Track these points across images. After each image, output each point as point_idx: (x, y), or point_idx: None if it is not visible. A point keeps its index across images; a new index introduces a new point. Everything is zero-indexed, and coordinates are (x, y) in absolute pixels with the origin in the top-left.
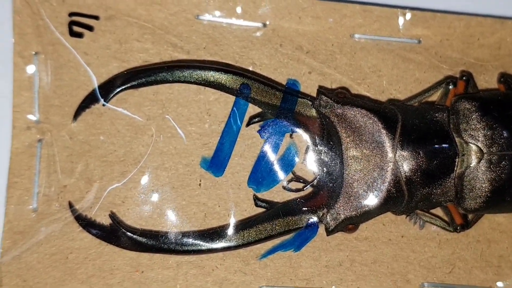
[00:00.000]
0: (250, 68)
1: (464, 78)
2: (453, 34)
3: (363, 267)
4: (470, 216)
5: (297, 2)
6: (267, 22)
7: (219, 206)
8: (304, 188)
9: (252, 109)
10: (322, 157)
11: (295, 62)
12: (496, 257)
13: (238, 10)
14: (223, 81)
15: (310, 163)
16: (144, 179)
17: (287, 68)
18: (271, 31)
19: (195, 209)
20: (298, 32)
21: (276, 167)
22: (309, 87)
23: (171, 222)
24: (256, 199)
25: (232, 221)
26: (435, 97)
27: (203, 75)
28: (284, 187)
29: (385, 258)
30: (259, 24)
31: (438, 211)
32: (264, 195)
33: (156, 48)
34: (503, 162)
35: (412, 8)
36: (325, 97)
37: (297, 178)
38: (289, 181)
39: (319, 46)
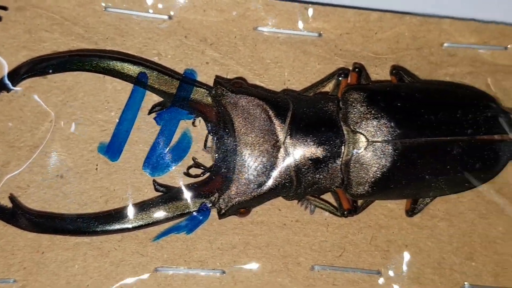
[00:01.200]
0: (156, 59)
1: (356, 70)
2: (353, 28)
3: (256, 249)
4: (359, 202)
5: None
6: (172, 14)
7: (120, 191)
8: (202, 174)
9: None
10: (218, 144)
11: (199, 54)
12: (385, 242)
13: (145, 2)
14: (121, 70)
15: (209, 150)
16: (50, 164)
17: (191, 59)
18: (177, 23)
19: (98, 193)
20: (202, 25)
21: (170, 153)
22: (211, 77)
23: (74, 205)
24: (155, 183)
25: (129, 204)
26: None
27: (102, 63)
28: (185, 173)
29: (278, 242)
30: (165, 16)
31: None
32: (166, 180)
33: (65, 38)
34: (387, 150)
35: (314, 3)
36: (221, 86)
37: (197, 164)
38: (189, 167)
39: (222, 38)
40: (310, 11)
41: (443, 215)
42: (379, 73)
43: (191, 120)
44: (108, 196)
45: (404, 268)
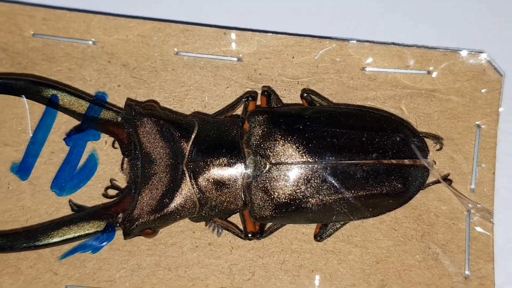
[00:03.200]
0: (81, 83)
1: (265, 93)
2: (272, 52)
3: (166, 271)
4: (268, 225)
5: (124, 21)
6: (93, 39)
7: (41, 210)
8: (117, 195)
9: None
10: (131, 166)
11: (121, 78)
12: (296, 266)
13: (70, 29)
14: (34, 91)
15: (125, 171)
16: None
17: (114, 83)
18: (101, 48)
19: (19, 212)
20: (125, 50)
21: (78, 174)
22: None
23: None
24: (71, 203)
25: (39, 223)
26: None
27: (16, 85)
28: (103, 194)
29: (189, 264)
30: (89, 42)
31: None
32: (86, 201)
33: None
34: (289, 173)
35: (233, 28)
36: (130, 109)
37: (113, 185)
38: (107, 188)
39: (143, 62)
40: (231, 36)
41: (357, 241)
42: (295, 97)
43: (105, 143)
44: (29, 215)
45: None
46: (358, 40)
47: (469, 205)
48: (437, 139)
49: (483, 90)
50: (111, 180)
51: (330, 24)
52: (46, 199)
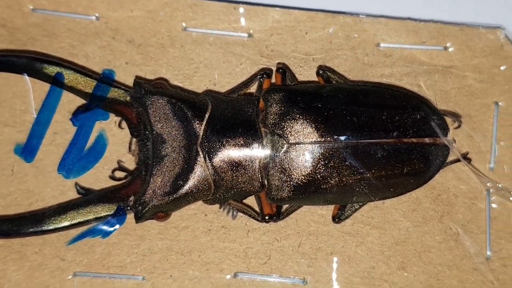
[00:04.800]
0: (84, 61)
1: (280, 70)
2: (284, 28)
3: (179, 256)
4: (284, 207)
5: None
6: (96, 14)
7: (44, 193)
8: (126, 178)
9: None
10: (140, 147)
11: (126, 55)
12: (313, 249)
13: (72, 4)
14: (38, 69)
15: (133, 152)
16: None
17: (119, 60)
18: (104, 24)
19: (22, 196)
20: (130, 25)
21: (86, 155)
22: (132, 78)
23: None
24: (77, 186)
25: (46, 206)
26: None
27: (19, 63)
28: (110, 176)
29: (202, 248)
30: (92, 17)
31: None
32: (92, 183)
33: None
34: (307, 153)
35: (244, 3)
36: (140, 87)
37: (121, 167)
38: (114, 170)
39: (150, 39)
40: (240, 11)
41: (376, 223)
42: (309, 74)
43: (112, 123)
44: (32, 199)
45: (332, 276)
46: (373, 15)
47: (488, 184)
48: (455, 116)
49: (502, 67)
50: (119, 162)
51: None
52: (50, 181)
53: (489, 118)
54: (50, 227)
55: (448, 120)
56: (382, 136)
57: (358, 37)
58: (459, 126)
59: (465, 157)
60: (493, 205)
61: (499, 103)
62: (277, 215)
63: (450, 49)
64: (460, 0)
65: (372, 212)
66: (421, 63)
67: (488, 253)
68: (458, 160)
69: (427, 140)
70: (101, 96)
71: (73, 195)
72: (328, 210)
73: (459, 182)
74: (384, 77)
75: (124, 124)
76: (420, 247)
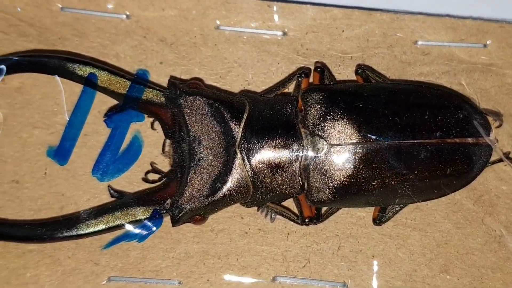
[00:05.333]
0: (114, 60)
1: (318, 69)
2: (319, 26)
3: (216, 259)
4: (323, 209)
5: None
6: (127, 13)
7: (76, 197)
8: (160, 180)
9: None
10: (175, 148)
11: (158, 54)
12: (352, 252)
13: (102, 2)
14: (70, 70)
15: (167, 154)
16: (5, 170)
17: (151, 60)
18: (135, 22)
19: (53, 199)
20: (162, 24)
21: (121, 157)
22: (165, 77)
23: (29, 212)
24: (110, 189)
25: (80, 210)
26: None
27: (51, 64)
28: (143, 179)
29: (239, 251)
30: (123, 16)
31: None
32: (124, 185)
33: (21, 39)
34: (349, 154)
35: (277, 0)
36: (175, 87)
37: (155, 170)
38: (147, 172)
39: (182, 37)
40: (274, 9)
41: (416, 225)
42: (347, 73)
43: (143, 123)
44: (64, 203)
45: (373, 280)
46: (410, 12)
47: None
48: (497, 115)
49: None
50: (152, 164)
51: None
52: (81, 184)
53: None
54: (85, 231)
55: (490, 119)
56: (425, 136)
57: (395, 35)
58: (500, 125)
59: (508, 157)
60: None
61: None
62: (317, 218)
63: (490, 47)
64: None
65: (412, 213)
66: (460, 61)
67: None
68: (500, 160)
69: (470, 140)
70: (135, 97)
71: (106, 198)
72: (367, 212)
73: (501, 183)
74: (422, 75)
75: (156, 125)
76: (462, 249)
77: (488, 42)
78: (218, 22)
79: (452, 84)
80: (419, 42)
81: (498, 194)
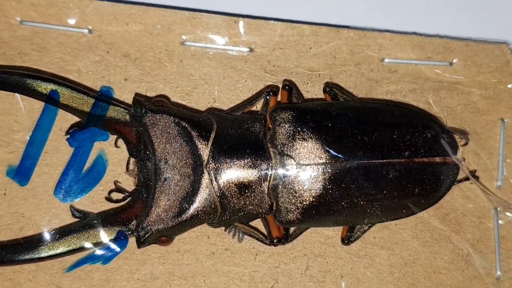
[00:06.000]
0: (75, 76)
1: (286, 87)
2: (286, 42)
3: (182, 280)
4: (291, 229)
5: (124, 7)
6: (90, 27)
7: (36, 217)
8: (124, 199)
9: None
10: (140, 167)
11: (122, 70)
12: (320, 272)
13: (63, 16)
14: (31, 87)
15: (131, 173)
16: None
17: (114, 76)
18: (98, 37)
19: (12, 219)
20: (125, 39)
21: (84, 177)
22: (132, 95)
23: None
24: (73, 209)
25: (42, 232)
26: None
27: (10, 80)
28: (106, 198)
29: (205, 272)
30: (85, 30)
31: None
32: (86, 205)
33: None
34: (318, 174)
35: (244, 16)
36: (140, 105)
37: (119, 189)
38: (111, 191)
39: (146, 53)
40: (241, 25)
41: (383, 243)
42: (312, 91)
43: (111, 141)
44: (23, 223)
45: None
46: (377, 30)
47: (496, 202)
48: (463, 133)
49: (509, 85)
50: (115, 183)
51: (347, 12)
52: (41, 204)
53: (496, 135)
54: (48, 254)
55: (456, 137)
56: (394, 156)
57: (362, 52)
58: (466, 144)
59: (474, 175)
60: (501, 222)
61: (505, 120)
62: (285, 238)
63: (456, 65)
64: (466, 15)
65: (380, 232)
66: (426, 79)
67: (498, 273)
68: (467, 179)
69: (437, 159)
70: (99, 115)
71: (68, 218)
72: (335, 231)
73: (467, 201)
74: (389, 93)
75: (119, 142)
76: (430, 268)
77: (454, 61)
78: (183, 38)
79: (419, 102)
80: (386, 60)
81: (464, 212)
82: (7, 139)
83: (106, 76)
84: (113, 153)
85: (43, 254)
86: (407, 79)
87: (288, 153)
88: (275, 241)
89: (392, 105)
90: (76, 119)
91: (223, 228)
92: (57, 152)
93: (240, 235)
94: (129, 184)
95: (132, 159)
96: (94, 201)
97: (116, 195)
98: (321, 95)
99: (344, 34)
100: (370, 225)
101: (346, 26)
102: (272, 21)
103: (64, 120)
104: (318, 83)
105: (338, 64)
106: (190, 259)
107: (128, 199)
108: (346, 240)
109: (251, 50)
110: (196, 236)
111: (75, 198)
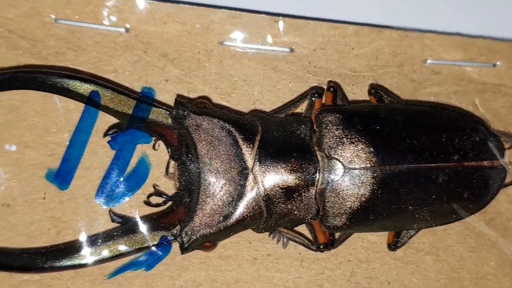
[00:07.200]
0: (112, 76)
1: (331, 89)
2: (328, 43)
3: (224, 287)
4: (337, 235)
5: (161, 6)
6: (127, 26)
7: (73, 221)
8: (164, 203)
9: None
10: (181, 171)
11: (159, 70)
12: (366, 278)
13: (100, 14)
14: (71, 88)
15: (171, 176)
16: None
17: (151, 76)
18: (135, 36)
19: (48, 224)
20: (163, 38)
21: (127, 180)
22: (172, 96)
23: (21, 237)
24: (112, 214)
25: (83, 237)
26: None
27: (49, 81)
28: (145, 202)
29: (248, 278)
30: (122, 29)
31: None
32: (125, 209)
33: (11, 53)
34: (366, 178)
35: (284, 16)
36: (182, 107)
37: (158, 192)
38: (150, 195)
39: (185, 53)
40: (281, 24)
41: (429, 249)
42: (357, 92)
43: (150, 144)
44: (60, 228)
45: None
46: (420, 30)
47: None
48: (508, 136)
49: None
50: (155, 186)
51: (389, 12)
52: (78, 208)
53: None
54: (89, 260)
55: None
56: (443, 160)
57: (404, 53)
58: (511, 147)
59: None
60: None
61: None
62: (331, 244)
63: (499, 67)
64: (510, 15)
65: (424, 237)
66: (470, 81)
67: None
68: None
69: (486, 163)
70: (142, 117)
71: (107, 223)
72: (379, 236)
73: None
74: (433, 95)
75: (158, 145)
76: (476, 274)
77: (498, 63)
78: (222, 37)
79: (463, 104)
80: (429, 61)
81: (509, 217)
82: (43, 141)
83: (144, 77)
84: (151, 156)
85: (84, 261)
86: (451, 81)
87: (336, 157)
88: (321, 247)
89: (439, 108)
90: (113, 120)
91: (265, 233)
92: (94, 155)
93: (285, 240)
94: (168, 187)
95: (172, 162)
96: (132, 205)
97: (155, 199)
98: (365, 97)
99: (386, 34)
100: (417, 230)
101: (388, 26)
102: (313, 21)
103: (100, 121)
104: (361, 84)
105: (380, 65)
106: (232, 265)
107: (169, 203)
108: (393, 245)
109: (291, 50)
110: (238, 242)
111: (117, 203)
